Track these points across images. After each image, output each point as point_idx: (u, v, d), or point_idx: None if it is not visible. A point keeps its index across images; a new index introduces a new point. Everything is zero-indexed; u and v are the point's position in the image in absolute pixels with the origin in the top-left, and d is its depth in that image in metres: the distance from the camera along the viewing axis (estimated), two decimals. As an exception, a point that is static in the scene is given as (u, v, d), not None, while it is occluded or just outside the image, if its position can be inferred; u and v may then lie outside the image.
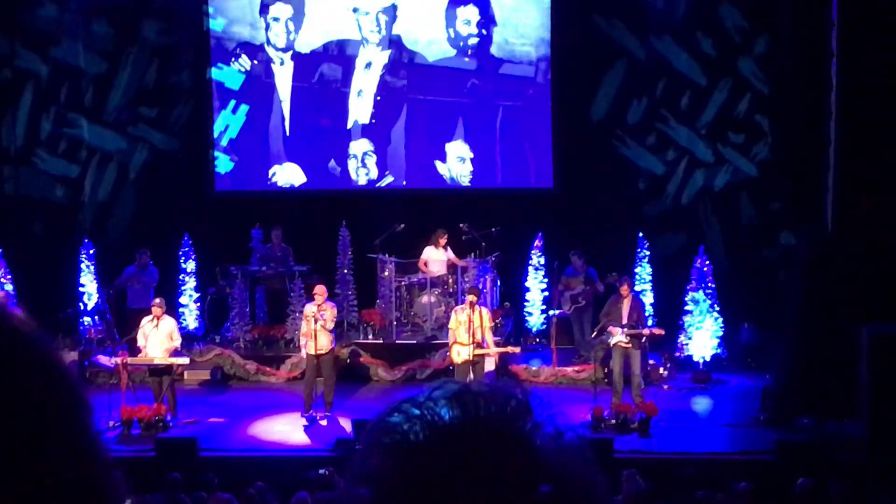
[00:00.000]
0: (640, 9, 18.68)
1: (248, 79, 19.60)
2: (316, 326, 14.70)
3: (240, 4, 19.50)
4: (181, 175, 19.43)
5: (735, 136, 18.82)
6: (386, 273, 17.77)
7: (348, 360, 17.01)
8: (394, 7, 19.24)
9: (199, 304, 18.61)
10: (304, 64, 19.50)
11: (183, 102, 19.78)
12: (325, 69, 19.49)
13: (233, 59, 19.56)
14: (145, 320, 15.12)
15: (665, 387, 16.35)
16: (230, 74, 19.61)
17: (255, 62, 19.53)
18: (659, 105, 18.93)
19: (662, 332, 15.47)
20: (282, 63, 19.51)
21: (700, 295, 17.18)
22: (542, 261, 18.37)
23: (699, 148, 18.92)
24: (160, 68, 19.68)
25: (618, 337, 14.93)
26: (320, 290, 15.10)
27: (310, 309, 15.02)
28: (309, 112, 19.56)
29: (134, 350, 15.26)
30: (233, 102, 19.63)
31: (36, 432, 1.15)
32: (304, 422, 14.86)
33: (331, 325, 15.07)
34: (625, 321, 14.97)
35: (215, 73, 19.61)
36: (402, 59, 19.32)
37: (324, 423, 14.86)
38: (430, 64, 19.28)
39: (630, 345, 14.91)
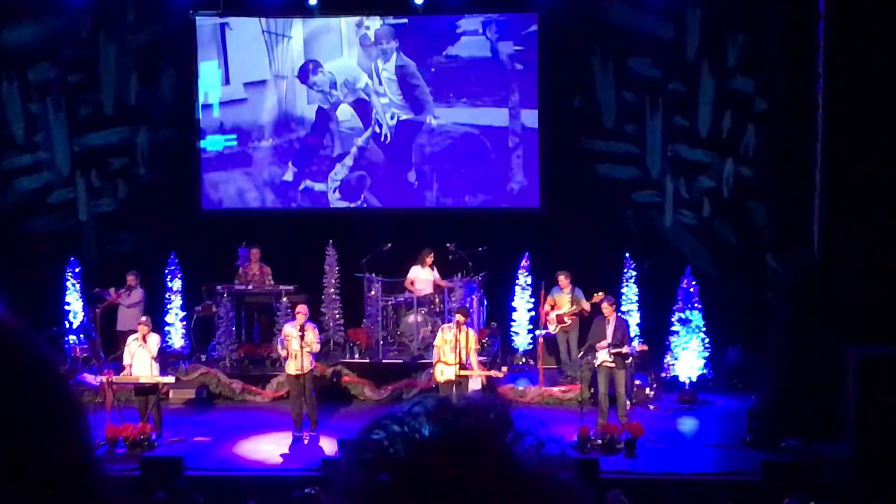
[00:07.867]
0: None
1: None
2: (301, 345, 14.65)
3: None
4: (168, 193, 19.30)
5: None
6: (372, 292, 17.76)
7: (333, 380, 16.97)
8: None
9: (185, 323, 18.54)
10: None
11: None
12: None
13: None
14: (131, 339, 15.15)
15: (651, 407, 16.35)
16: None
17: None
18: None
19: (646, 348, 15.54)
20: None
21: (688, 315, 17.18)
22: (529, 280, 18.34)
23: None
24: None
25: (602, 357, 14.95)
26: (303, 310, 15.05)
27: (291, 330, 14.97)
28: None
29: (120, 369, 15.22)
30: None
31: (31, 437, 1.14)
32: (289, 441, 14.80)
33: (316, 348, 15.01)
34: (609, 341, 14.98)
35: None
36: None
37: (307, 442, 14.82)
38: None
39: (615, 364, 14.92)
